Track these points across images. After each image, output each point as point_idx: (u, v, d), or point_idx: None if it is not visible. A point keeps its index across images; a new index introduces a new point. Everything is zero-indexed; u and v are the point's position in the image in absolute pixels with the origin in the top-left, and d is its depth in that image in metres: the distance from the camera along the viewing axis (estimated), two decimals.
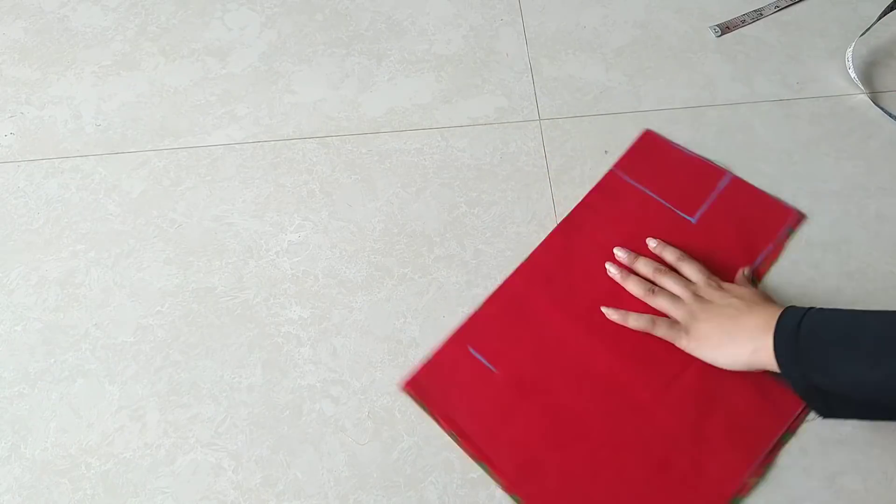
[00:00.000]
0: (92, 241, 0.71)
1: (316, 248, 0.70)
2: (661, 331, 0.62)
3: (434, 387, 0.62)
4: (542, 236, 0.70)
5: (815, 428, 0.60)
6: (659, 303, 0.64)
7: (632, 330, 0.63)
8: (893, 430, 0.59)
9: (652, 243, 0.68)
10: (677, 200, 0.70)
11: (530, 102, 0.79)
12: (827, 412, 0.56)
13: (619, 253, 0.68)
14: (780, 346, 0.54)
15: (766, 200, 0.70)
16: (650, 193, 0.71)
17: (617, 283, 0.66)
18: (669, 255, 0.67)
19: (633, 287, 0.65)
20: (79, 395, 0.63)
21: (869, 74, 0.80)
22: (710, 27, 0.84)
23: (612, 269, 0.67)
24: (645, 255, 0.67)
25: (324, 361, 0.64)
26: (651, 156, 0.74)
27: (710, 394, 0.60)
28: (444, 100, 0.79)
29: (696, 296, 0.63)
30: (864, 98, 0.77)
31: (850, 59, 0.78)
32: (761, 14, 0.84)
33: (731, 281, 0.65)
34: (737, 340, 0.58)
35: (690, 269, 0.65)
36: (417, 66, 0.82)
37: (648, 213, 0.70)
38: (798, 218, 0.69)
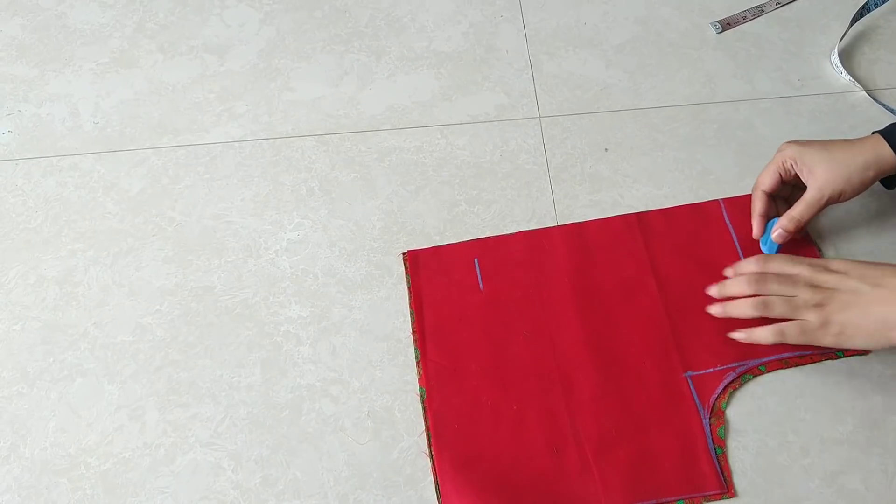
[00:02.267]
0: (90, 239, 0.71)
1: (315, 247, 0.70)
2: (795, 338, 0.57)
3: (426, 268, 0.67)
4: None
5: (815, 427, 0.60)
6: (778, 312, 0.58)
7: (617, 343, 0.63)
8: (894, 429, 0.59)
9: (729, 272, 0.63)
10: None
11: (530, 100, 0.78)
12: None
13: (712, 290, 0.62)
14: None
15: None
16: (734, 239, 0.68)
17: (635, 292, 0.65)
18: (751, 266, 0.62)
19: (745, 310, 0.59)
20: (78, 395, 0.63)
21: (870, 71, 0.79)
22: (710, 23, 0.83)
23: (713, 309, 0.61)
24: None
25: (323, 361, 0.64)
26: None
27: (640, 421, 0.60)
28: (443, 97, 0.79)
29: (814, 287, 0.58)
30: (864, 95, 0.77)
31: (836, 64, 0.78)
32: (762, 10, 0.83)
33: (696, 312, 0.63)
34: (888, 322, 0.54)
35: (783, 264, 0.60)
36: (417, 64, 0.82)
37: (718, 253, 0.68)
38: None
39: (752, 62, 0.80)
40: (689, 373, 0.62)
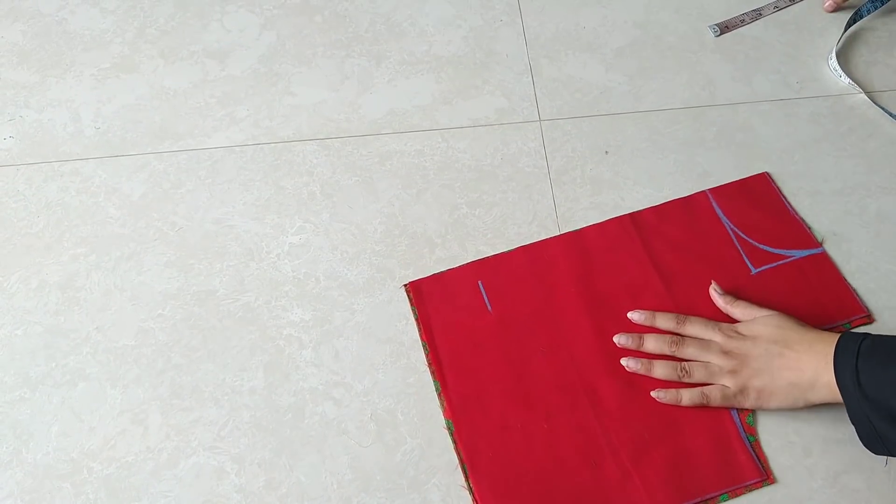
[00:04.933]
0: (92, 244, 0.71)
1: (317, 251, 0.70)
2: (718, 402, 0.59)
3: (431, 297, 0.66)
4: (543, 237, 0.70)
5: (817, 427, 0.60)
6: (697, 377, 0.60)
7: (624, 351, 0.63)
8: None
9: (636, 316, 0.64)
10: (749, 246, 0.68)
11: (530, 103, 0.79)
12: (878, 450, 0.54)
13: (621, 339, 0.63)
14: (841, 375, 0.54)
15: (841, 287, 0.66)
16: (728, 227, 0.69)
17: (642, 293, 0.66)
18: (664, 322, 0.63)
19: (661, 372, 0.61)
20: (80, 399, 0.63)
21: (868, 73, 0.80)
22: (708, 27, 0.84)
23: (629, 363, 0.62)
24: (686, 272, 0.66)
25: (326, 364, 0.64)
26: (752, 196, 0.71)
27: (670, 422, 0.60)
28: (444, 101, 0.79)
29: (727, 354, 0.60)
30: (863, 97, 0.77)
31: (835, 68, 0.79)
32: (760, 14, 0.84)
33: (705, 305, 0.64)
34: (800, 384, 0.57)
35: (697, 328, 0.62)
36: (417, 68, 0.82)
37: (714, 243, 0.68)
38: (863, 315, 0.64)
39: (750, 65, 0.81)
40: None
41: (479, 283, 0.67)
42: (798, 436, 0.59)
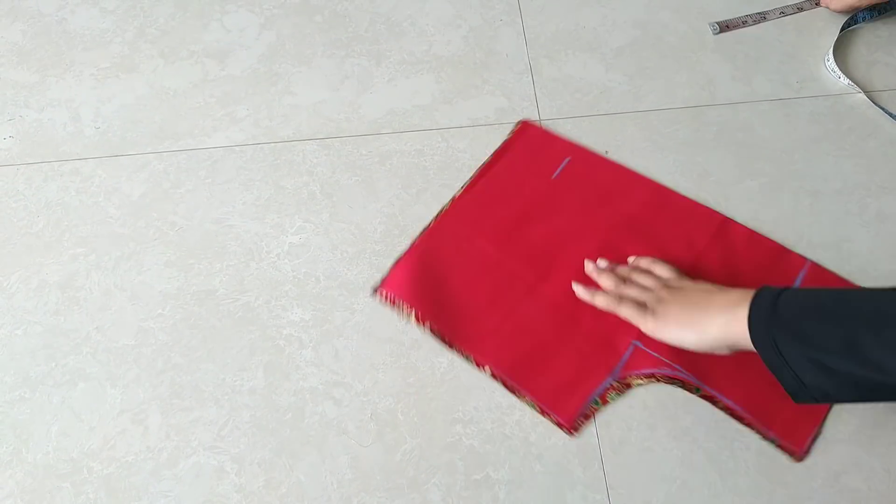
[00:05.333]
0: (92, 244, 0.71)
1: (317, 250, 0.70)
2: (625, 311, 0.61)
3: (524, 142, 0.75)
4: None
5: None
6: (627, 292, 0.62)
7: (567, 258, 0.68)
8: (895, 428, 0.60)
9: (629, 259, 0.67)
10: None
11: (530, 103, 0.79)
12: (797, 391, 0.51)
13: (589, 267, 0.67)
14: (756, 315, 0.52)
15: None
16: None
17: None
18: (643, 260, 0.66)
19: (600, 302, 0.63)
20: (80, 399, 0.63)
21: (868, 73, 0.80)
22: (708, 24, 0.84)
23: (579, 290, 0.65)
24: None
25: (326, 364, 0.64)
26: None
27: (569, 329, 0.65)
28: (444, 101, 0.79)
29: (667, 286, 0.61)
30: (863, 97, 0.77)
31: (833, 69, 0.79)
32: (764, 17, 0.84)
33: None
34: (708, 314, 0.56)
35: (663, 269, 0.64)
36: (417, 67, 0.82)
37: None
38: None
39: (750, 65, 0.81)
40: (636, 342, 0.63)
41: (567, 159, 0.73)
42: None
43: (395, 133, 0.77)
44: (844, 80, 0.78)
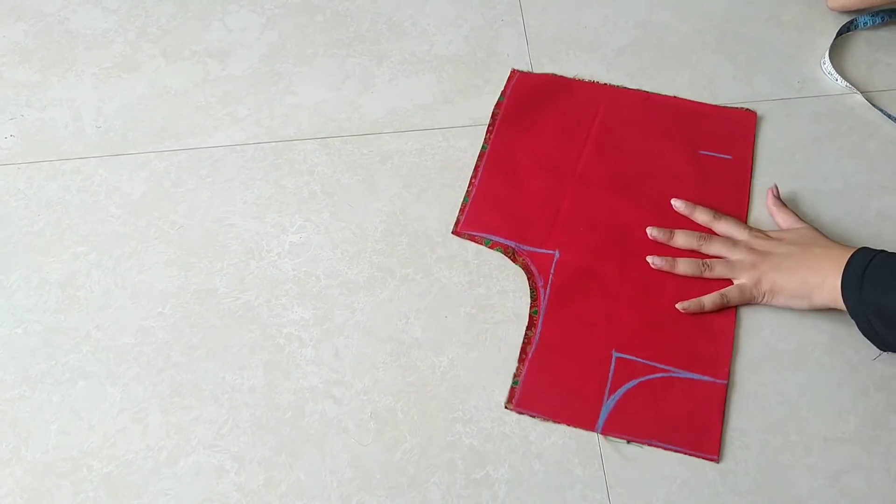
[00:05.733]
0: (93, 243, 0.71)
1: (317, 249, 0.70)
2: (736, 299, 0.63)
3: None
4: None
5: (818, 426, 0.60)
6: (718, 272, 0.64)
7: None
8: (895, 428, 0.60)
9: (678, 204, 0.69)
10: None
11: None
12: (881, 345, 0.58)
13: (654, 233, 0.67)
14: (848, 281, 0.57)
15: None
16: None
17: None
18: (701, 215, 0.67)
19: (684, 268, 0.65)
20: (80, 398, 0.63)
21: (868, 73, 0.80)
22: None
23: (655, 261, 0.66)
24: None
25: (326, 362, 0.64)
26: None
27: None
28: (445, 100, 0.79)
29: (751, 250, 0.64)
30: (864, 97, 0.77)
31: (830, 72, 0.78)
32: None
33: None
34: (821, 284, 0.60)
35: (729, 227, 0.66)
36: (418, 67, 0.82)
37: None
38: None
39: (751, 64, 0.81)
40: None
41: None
42: (798, 435, 0.59)
43: (396, 132, 0.77)
44: (842, 83, 0.78)
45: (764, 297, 0.63)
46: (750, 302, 0.64)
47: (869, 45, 0.82)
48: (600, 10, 0.86)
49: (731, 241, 0.65)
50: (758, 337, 0.64)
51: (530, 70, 0.81)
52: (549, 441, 0.60)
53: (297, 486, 0.59)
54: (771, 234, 0.65)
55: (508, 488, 0.58)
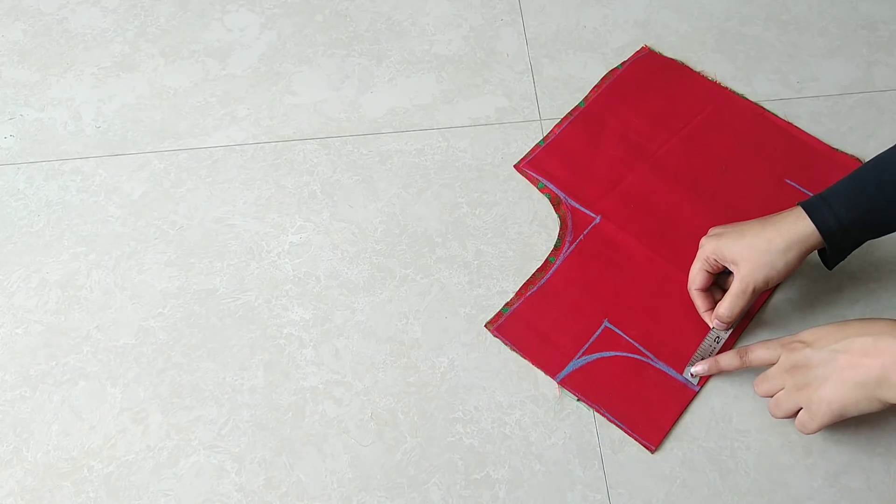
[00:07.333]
0: (93, 243, 0.71)
1: (317, 250, 0.70)
2: (815, 428, 0.55)
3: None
4: (544, 237, 0.70)
5: None
6: (785, 411, 0.57)
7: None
8: (895, 428, 0.60)
9: (701, 369, 0.62)
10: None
11: (531, 102, 0.79)
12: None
13: (697, 368, 0.62)
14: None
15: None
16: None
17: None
18: (729, 362, 0.61)
19: (774, 412, 0.58)
20: (80, 398, 0.63)
21: (869, 73, 0.80)
22: None
23: (699, 369, 0.62)
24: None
25: (326, 363, 0.64)
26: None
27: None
28: (444, 100, 0.79)
29: (791, 370, 0.56)
30: (864, 97, 0.77)
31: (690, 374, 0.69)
32: None
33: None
34: (867, 384, 0.52)
35: (761, 355, 0.59)
36: (418, 67, 0.82)
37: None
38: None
39: (751, 64, 0.81)
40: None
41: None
42: (798, 436, 0.59)
43: (395, 132, 0.77)
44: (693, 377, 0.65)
45: (828, 417, 0.54)
46: (818, 429, 0.55)
47: (868, 46, 0.82)
48: (600, 9, 0.86)
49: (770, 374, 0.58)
50: (758, 338, 0.64)
51: (530, 70, 0.81)
52: (550, 442, 0.60)
53: (298, 486, 0.59)
54: (804, 337, 0.57)
55: (509, 489, 0.58)
